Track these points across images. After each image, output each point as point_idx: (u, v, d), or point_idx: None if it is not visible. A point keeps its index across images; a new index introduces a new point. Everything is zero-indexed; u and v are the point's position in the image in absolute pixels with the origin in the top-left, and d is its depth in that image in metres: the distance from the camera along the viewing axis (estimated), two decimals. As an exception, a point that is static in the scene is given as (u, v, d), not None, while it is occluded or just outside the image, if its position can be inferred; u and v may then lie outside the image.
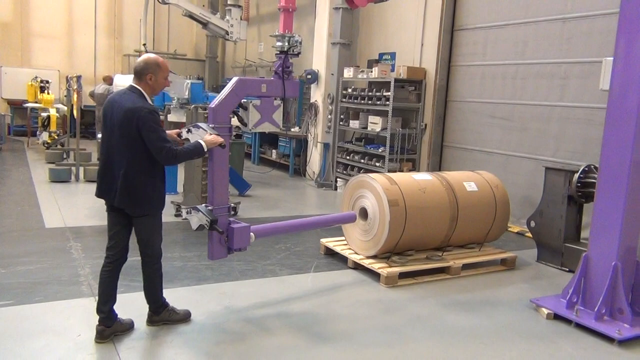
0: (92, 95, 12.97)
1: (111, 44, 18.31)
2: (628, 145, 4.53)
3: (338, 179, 10.75)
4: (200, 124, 4.11)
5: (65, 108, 13.33)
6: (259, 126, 4.88)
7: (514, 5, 8.29)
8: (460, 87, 9.28)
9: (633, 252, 4.74)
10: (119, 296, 3.98)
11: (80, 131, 12.29)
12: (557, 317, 4.76)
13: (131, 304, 4.28)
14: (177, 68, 18.12)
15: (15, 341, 3.76)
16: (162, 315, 4.12)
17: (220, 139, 4.05)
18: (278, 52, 5.07)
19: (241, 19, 13.45)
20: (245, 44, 16.25)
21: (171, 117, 9.68)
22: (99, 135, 8.26)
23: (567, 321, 4.67)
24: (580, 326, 4.57)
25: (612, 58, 4.74)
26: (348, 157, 10.50)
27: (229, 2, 13.45)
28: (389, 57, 10.42)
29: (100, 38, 18.08)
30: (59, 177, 9.79)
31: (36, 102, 14.10)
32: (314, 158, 11.62)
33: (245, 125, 4.76)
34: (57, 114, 12.75)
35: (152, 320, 4.11)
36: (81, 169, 10.10)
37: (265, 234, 5.17)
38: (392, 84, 9.18)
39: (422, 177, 6.07)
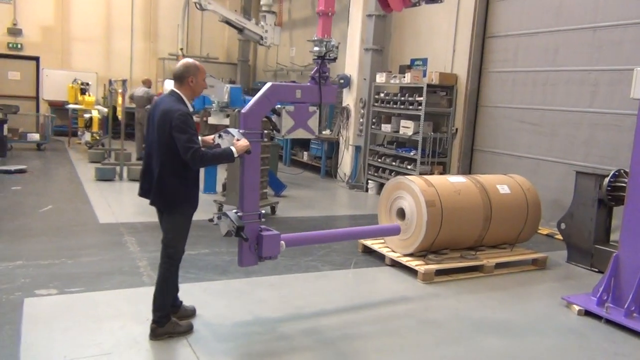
0: (131, 97, 13.50)
1: (147, 48, 18.91)
2: (658, 151, 4.78)
3: (369, 181, 11.07)
4: (230, 129, 4.09)
5: (106, 110, 13.91)
6: (293, 132, 4.79)
7: (545, 14, 8.54)
8: (491, 93, 9.55)
9: (662, 253, 4.98)
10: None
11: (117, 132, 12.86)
12: (587, 313, 5.02)
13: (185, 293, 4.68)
14: (210, 71, 18.61)
15: (95, 322, 4.18)
16: (166, 327, 4.03)
17: (246, 145, 3.99)
18: (315, 57, 4.84)
19: (275, 24, 13.88)
20: (277, 48, 16.65)
21: (211, 120, 10.16)
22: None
23: (598, 317, 4.93)
24: (610, 322, 4.83)
25: (643, 69, 5.00)
26: (379, 160, 10.82)
27: (263, 9, 13.85)
28: (421, 62, 10.72)
29: (137, 42, 18.68)
30: (105, 176, 10.30)
31: (77, 104, 14.71)
32: (345, 160, 11.97)
33: (278, 131, 4.67)
34: (99, 115, 13.30)
35: (155, 333, 3.99)
36: (125, 169, 10.61)
37: (300, 243, 5.41)
38: (425, 89, 9.48)
39: (457, 179, 6.38)
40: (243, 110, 4.32)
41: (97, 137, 13.28)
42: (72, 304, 4.55)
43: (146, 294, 4.79)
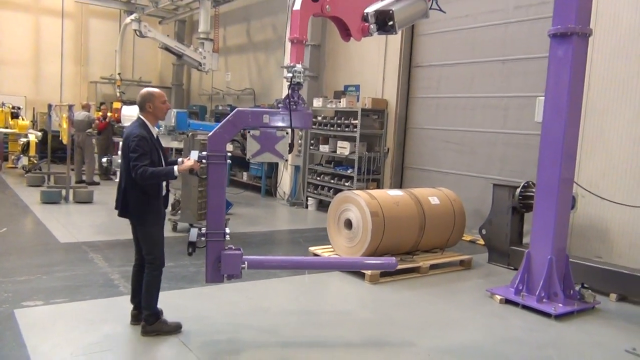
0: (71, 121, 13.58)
1: (77, 72, 18.92)
2: (557, 165, 5.87)
3: (309, 198, 11.86)
4: (193, 151, 4.54)
5: (40, 134, 13.92)
6: (259, 156, 4.87)
7: (462, 48, 9.77)
8: (417, 116, 10.67)
9: (563, 249, 6.06)
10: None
11: (52, 156, 12.95)
12: (507, 301, 6.01)
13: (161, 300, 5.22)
14: (144, 95, 18.89)
15: (88, 326, 4.65)
16: (154, 325, 4.52)
17: (189, 166, 4.36)
18: (289, 83, 4.94)
19: (212, 51, 14.53)
20: (213, 72, 17.23)
21: (158, 143, 10.56)
22: (104, 159, 8.97)
23: (515, 304, 5.92)
24: (525, 307, 5.83)
25: (543, 97, 6.13)
26: (318, 178, 11.65)
27: (201, 36, 14.44)
28: (354, 89, 11.72)
29: (67, 65, 18.65)
30: (50, 199, 10.44)
31: (7, 128, 14.58)
32: (285, 179, 12.70)
33: (244, 154, 4.77)
34: (36, 139, 13.31)
35: (145, 330, 4.51)
36: (70, 191, 10.78)
37: (278, 267, 6.14)
38: (359, 113, 10.45)
39: (395, 193, 7.30)
40: (210, 134, 4.54)
41: (35, 162, 13.25)
42: (61, 312, 4.98)
43: (126, 301, 5.30)
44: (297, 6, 5.07)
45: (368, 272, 6.50)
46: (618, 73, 7.21)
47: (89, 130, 12.99)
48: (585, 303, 5.88)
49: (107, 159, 9.61)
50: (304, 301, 5.81)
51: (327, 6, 5.13)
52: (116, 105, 14.94)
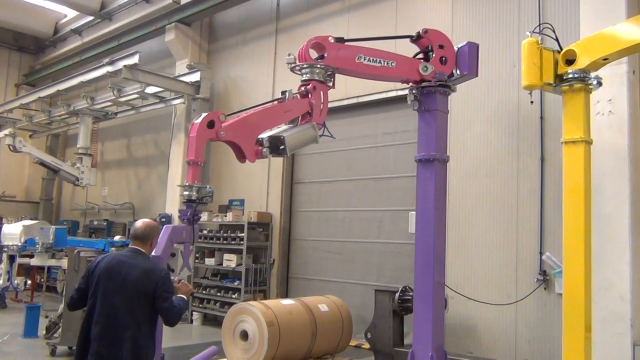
0: None
1: None
2: (429, 270, 6.70)
3: (194, 312, 11.72)
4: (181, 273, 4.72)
5: None
6: (182, 271, 5.06)
7: (339, 167, 10.87)
8: (300, 228, 11.39)
9: (442, 346, 6.73)
10: None
11: None
12: (397, 399, 6.48)
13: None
14: (8, 210, 17.82)
15: None
16: None
17: (190, 290, 4.45)
18: (185, 200, 5.22)
19: (91, 166, 14.43)
20: (87, 187, 16.84)
21: (34, 261, 10.07)
22: None
23: (405, 401, 6.40)
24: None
25: (414, 212, 7.09)
26: (204, 292, 11.65)
27: (80, 151, 14.31)
28: (238, 203, 12.24)
29: None
30: None
31: None
32: (168, 294, 12.45)
33: (172, 271, 4.88)
34: None
35: None
36: None
37: None
38: (246, 226, 10.91)
39: (288, 302, 7.69)
40: (156, 254, 4.58)
41: None
42: None
43: None
44: (193, 132, 5.44)
45: (266, 382, 6.65)
46: (470, 192, 8.54)
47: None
48: (464, 395, 6.52)
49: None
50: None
51: (222, 132, 5.61)
52: (-21, 222, 13.93)
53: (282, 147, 6.15)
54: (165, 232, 4.79)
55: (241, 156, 6.02)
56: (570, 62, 5.80)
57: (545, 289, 7.59)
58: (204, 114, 5.61)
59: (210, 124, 5.54)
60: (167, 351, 9.22)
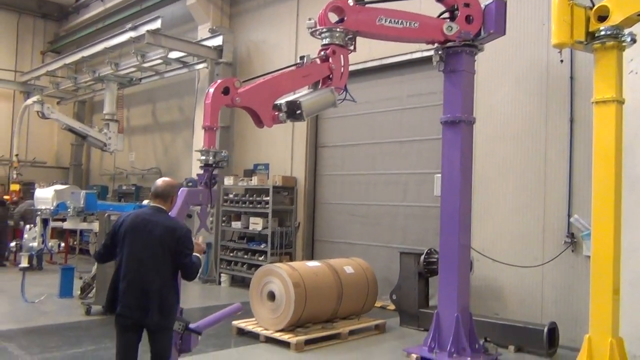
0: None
1: (-35, 152, 17.92)
2: (455, 233, 6.71)
3: (222, 274, 11.98)
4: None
5: None
6: (199, 232, 5.27)
7: (363, 130, 10.80)
8: (325, 192, 11.43)
9: (467, 308, 6.80)
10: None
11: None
12: (423, 359, 6.59)
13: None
14: (39, 175, 18.21)
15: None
16: None
17: (203, 249, 4.65)
18: (202, 165, 5.40)
19: (117, 131, 14.61)
20: (115, 152, 17.08)
21: (67, 225, 10.34)
22: (12, 244, 8.59)
23: (430, 361, 6.52)
24: (438, 363, 6.44)
25: (439, 175, 7.06)
26: (231, 254, 11.86)
27: (106, 117, 14.48)
28: (263, 167, 12.31)
29: (-47, 145, 17.65)
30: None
31: None
32: (196, 257, 12.72)
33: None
34: None
35: None
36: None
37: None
38: (271, 190, 11.00)
39: (314, 264, 7.80)
40: (172, 214, 4.63)
41: None
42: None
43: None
44: (208, 99, 5.58)
45: (293, 341, 6.82)
46: (497, 154, 8.42)
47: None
48: (490, 355, 6.59)
49: (17, 243, 9.31)
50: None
51: (237, 98, 5.71)
52: (13, 187, 14.33)
53: (298, 111, 6.19)
54: (181, 195, 4.90)
55: (258, 121, 6.16)
56: (602, 18, 5.59)
57: (572, 251, 7.53)
58: (219, 81, 5.70)
59: (225, 91, 5.62)
60: (197, 311, 9.51)
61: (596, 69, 5.73)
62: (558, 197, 7.74)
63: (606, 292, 5.49)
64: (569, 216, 7.55)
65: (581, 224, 7.26)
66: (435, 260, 7.93)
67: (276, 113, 6.13)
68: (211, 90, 5.50)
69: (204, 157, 5.35)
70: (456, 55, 6.70)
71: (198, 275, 4.26)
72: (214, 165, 5.37)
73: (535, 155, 8.03)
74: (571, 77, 7.67)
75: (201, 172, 5.38)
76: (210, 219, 12.16)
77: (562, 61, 6.61)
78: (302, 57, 6.11)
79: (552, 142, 7.87)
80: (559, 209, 7.72)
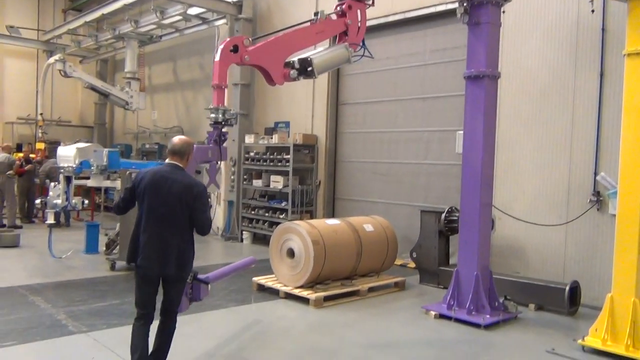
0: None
1: (-8, 112, 18.17)
2: (477, 191, 6.60)
3: (244, 232, 12.10)
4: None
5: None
6: (209, 188, 5.29)
7: (385, 87, 10.57)
8: (346, 150, 11.32)
9: (487, 266, 6.75)
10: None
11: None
12: (441, 316, 6.59)
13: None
14: (64, 134, 18.44)
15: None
16: None
17: None
18: (212, 123, 5.51)
19: (139, 90, 14.60)
20: (138, 111, 17.16)
21: (90, 182, 10.45)
22: (37, 201, 8.65)
23: (448, 318, 6.51)
24: (457, 320, 6.42)
25: (462, 132, 6.89)
26: (253, 212, 11.94)
27: (127, 75, 14.47)
28: (284, 125, 12.22)
29: (-21, 106, 17.90)
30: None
31: None
32: (218, 215, 12.86)
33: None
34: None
35: None
36: (-5, 236, 10.41)
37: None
38: (292, 148, 10.94)
39: (333, 222, 7.78)
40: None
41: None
42: (14, 356, 4.95)
43: (81, 339, 5.37)
44: (217, 57, 5.61)
45: (312, 298, 6.87)
46: (522, 110, 8.17)
47: (9, 172, 12.59)
48: (509, 313, 6.56)
49: (42, 201, 9.47)
50: (257, 328, 6.07)
51: (246, 56, 5.67)
52: (39, 146, 14.55)
53: (309, 68, 6.10)
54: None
55: (270, 79, 6.20)
56: (639, -36, 5.27)
57: (598, 209, 7.35)
58: (227, 39, 5.66)
59: (235, 49, 5.55)
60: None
61: (630, 18, 5.45)
62: (584, 154, 7.51)
63: (631, 251, 5.38)
64: (595, 174, 7.33)
65: (607, 182, 7.05)
66: (456, 218, 7.84)
67: (287, 70, 6.08)
68: (220, 48, 5.50)
69: (213, 115, 5.44)
70: (481, 6, 6.44)
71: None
72: (223, 122, 5.47)
73: (562, 111, 7.77)
74: (603, 29, 7.31)
75: (211, 129, 5.48)
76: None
77: (593, 11, 6.33)
78: (316, 14, 5.98)
79: (581, 96, 7.58)
80: (586, 167, 7.50)
